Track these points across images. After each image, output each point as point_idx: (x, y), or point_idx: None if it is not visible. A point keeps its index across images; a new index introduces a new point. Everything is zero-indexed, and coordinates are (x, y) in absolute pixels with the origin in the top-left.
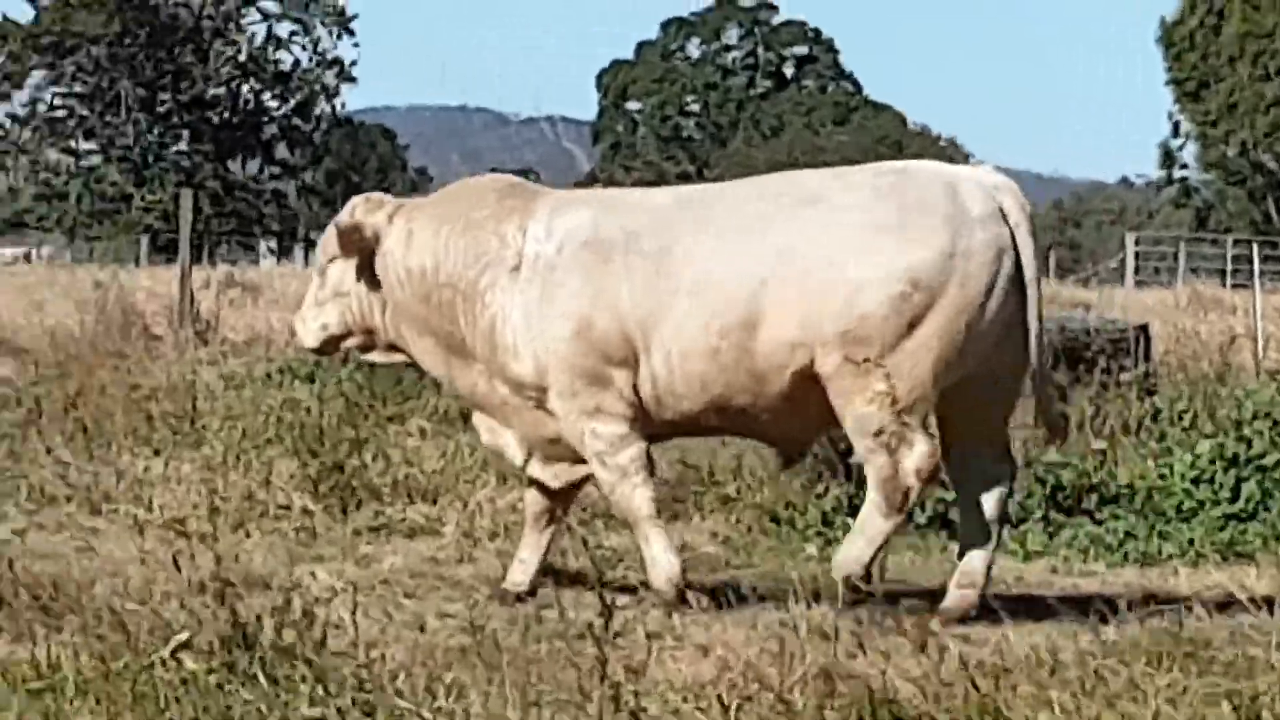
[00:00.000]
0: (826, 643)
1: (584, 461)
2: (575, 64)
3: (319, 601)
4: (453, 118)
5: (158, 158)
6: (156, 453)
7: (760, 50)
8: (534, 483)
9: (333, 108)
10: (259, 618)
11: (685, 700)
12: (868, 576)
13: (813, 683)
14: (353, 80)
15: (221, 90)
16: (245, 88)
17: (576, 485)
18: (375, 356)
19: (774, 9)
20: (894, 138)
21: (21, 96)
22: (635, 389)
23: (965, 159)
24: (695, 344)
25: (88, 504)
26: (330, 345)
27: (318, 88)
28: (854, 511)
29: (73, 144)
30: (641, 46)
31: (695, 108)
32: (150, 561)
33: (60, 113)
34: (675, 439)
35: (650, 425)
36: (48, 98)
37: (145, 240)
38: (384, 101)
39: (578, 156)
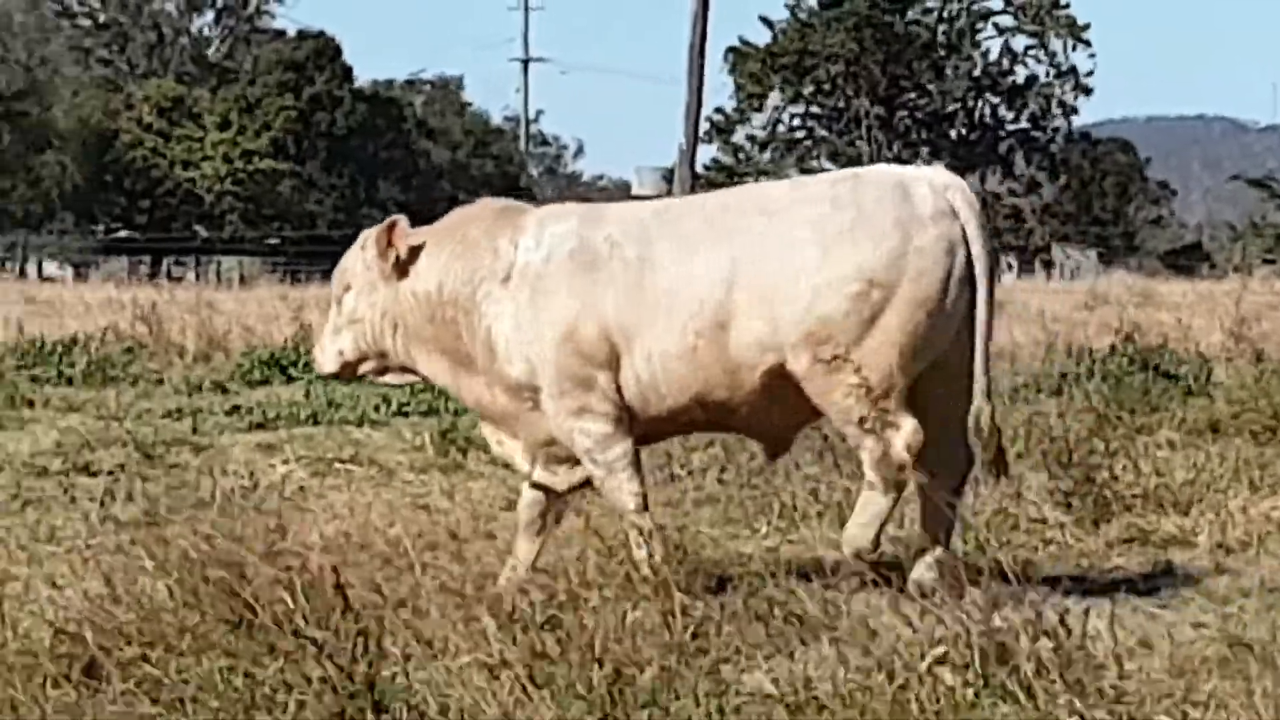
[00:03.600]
0: None
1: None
2: None
3: (1069, 614)
4: (1192, 128)
5: None
6: None
7: None
8: (536, 487)
9: (1068, 121)
10: (1015, 632)
11: None
12: (875, 548)
13: None
14: (1088, 92)
15: (957, 105)
16: (981, 102)
17: (578, 488)
18: (390, 379)
19: None
20: None
21: (760, 118)
22: (620, 390)
23: None
24: (673, 346)
25: (839, 521)
26: (347, 370)
27: (1054, 101)
28: None
29: (814, 164)
30: None
31: None
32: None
33: (799, 133)
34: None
35: (639, 424)
36: (786, 118)
37: None
38: (1121, 113)
39: None
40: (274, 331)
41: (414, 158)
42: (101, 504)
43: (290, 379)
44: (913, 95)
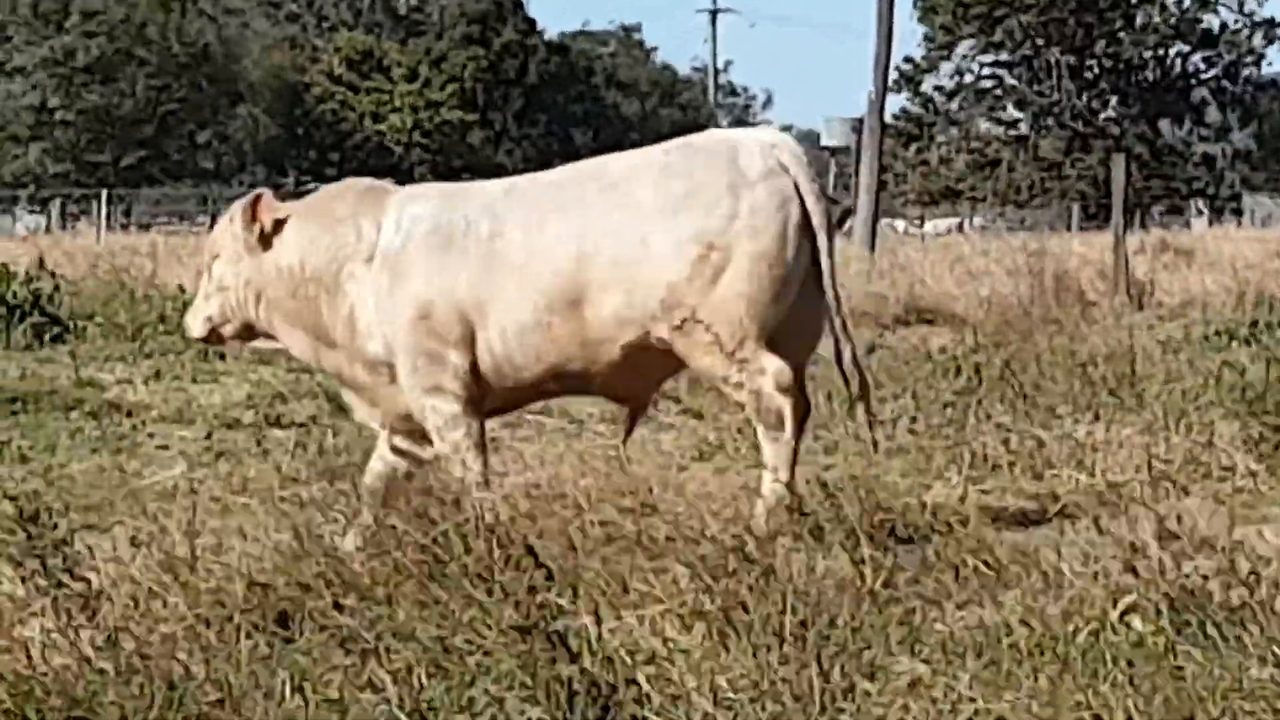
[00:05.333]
0: None
1: None
2: None
3: (1264, 562)
4: None
5: (1087, 124)
6: (1096, 417)
7: None
8: (397, 452)
9: (1259, 69)
10: (1205, 579)
11: None
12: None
13: None
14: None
15: (1149, 54)
16: (1173, 50)
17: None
18: (257, 344)
19: None
20: None
21: (948, 67)
22: (475, 367)
23: None
24: (527, 320)
25: (1029, 470)
26: (214, 335)
27: (1245, 49)
28: None
29: (1002, 113)
30: None
31: None
32: (1084, 524)
33: (988, 83)
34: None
35: (495, 394)
36: (975, 68)
37: (1076, 207)
38: None
39: None
40: None
41: (603, 109)
42: (292, 456)
43: None
44: (1103, 43)
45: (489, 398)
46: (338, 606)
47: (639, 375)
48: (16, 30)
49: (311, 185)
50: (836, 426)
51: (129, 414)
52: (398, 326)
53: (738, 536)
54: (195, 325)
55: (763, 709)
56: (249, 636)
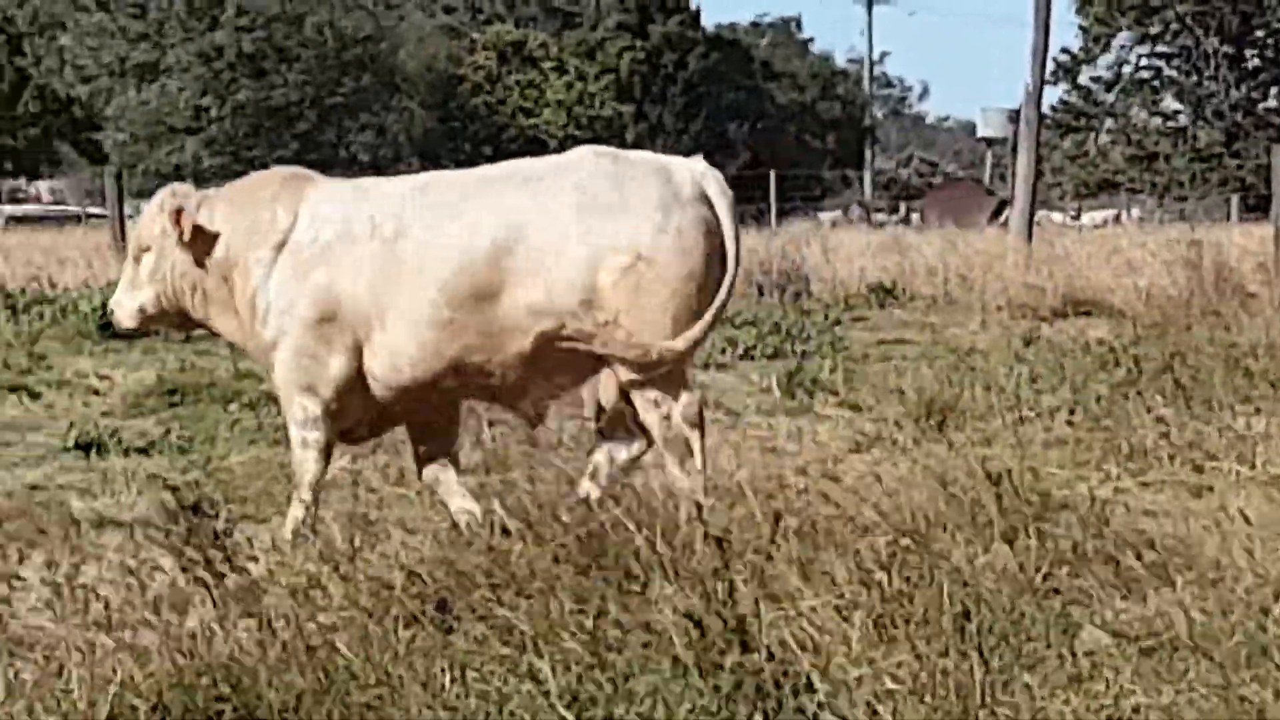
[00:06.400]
0: None
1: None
2: None
3: None
4: None
5: (1247, 114)
6: (1257, 410)
7: None
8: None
9: None
10: None
11: None
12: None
13: None
14: None
15: None
16: None
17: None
18: (202, 332)
19: None
20: None
21: (1106, 59)
22: (359, 373)
23: None
24: (426, 315)
25: (1190, 462)
26: (147, 323)
27: None
28: None
29: (1161, 104)
30: None
31: None
32: (1257, 519)
33: (1146, 74)
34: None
35: (391, 391)
36: (1133, 59)
37: (1235, 199)
38: None
39: None
40: None
41: (759, 101)
42: None
43: None
44: (1261, 34)
45: (387, 395)
46: (496, 599)
47: (540, 377)
48: (171, 28)
49: None
50: (994, 419)
51: None
52: (291, 319)
53: (895, 529)
54: (125, 316)
55: (923, 701)
56: (408, 626)
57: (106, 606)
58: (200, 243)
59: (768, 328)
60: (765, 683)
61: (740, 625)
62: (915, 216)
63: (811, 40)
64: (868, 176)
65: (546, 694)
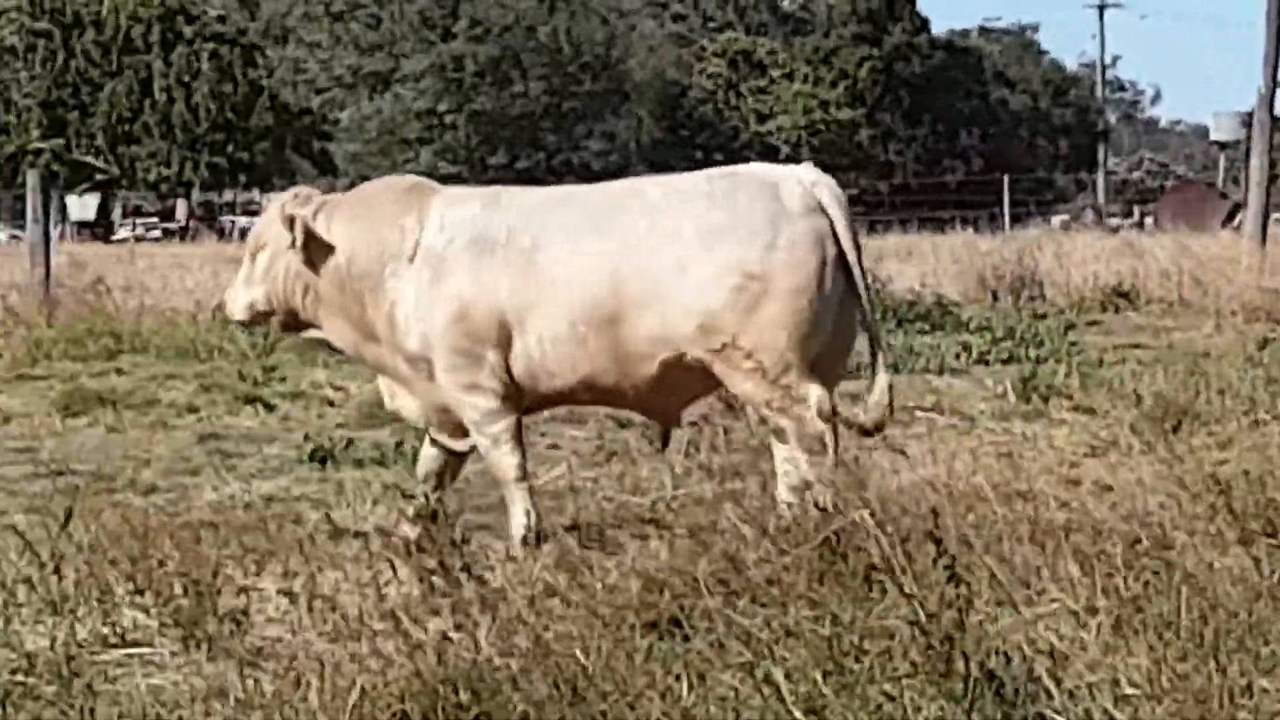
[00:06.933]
0: None
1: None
2: None
3: None
4: None
5: None
6: None
7: None
8: (433, 443)
9: None
10: None
11: None
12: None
13: None
14: None
15: None
16: None
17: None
18: (306, 334)
19: None
20: None
21: None
22: (510, 367)
23: None
24: (563, 333)
25: None
26: (257, 319)
27: None
28: None
29: None
30: None
31: None
32: None
33: None
34: None
35: (528, 398)
36: None
37: None
38: None
39: None
40: None
41: (991, 107)
42: (686, 454)
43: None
44: None
45: (523, 401)
46: (731, 606)
47: (671, 394)
48: (404, 39)
49: None
50: (1230, 422)
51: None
52: (436, 325)
53: (1131, 532)
54: (237, 309)
55: (1159, 705)
56: (643, 635)
57: (344, 616)
58: (315, 248)
59: (1001, 332)
60: (1002, 688)
61: (977, 630)
62: (1148, 220)
63: (1045, 51)
64: (1100, 180)
65: (783, 701)
